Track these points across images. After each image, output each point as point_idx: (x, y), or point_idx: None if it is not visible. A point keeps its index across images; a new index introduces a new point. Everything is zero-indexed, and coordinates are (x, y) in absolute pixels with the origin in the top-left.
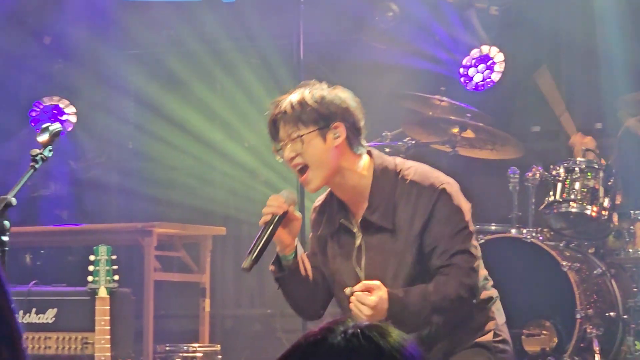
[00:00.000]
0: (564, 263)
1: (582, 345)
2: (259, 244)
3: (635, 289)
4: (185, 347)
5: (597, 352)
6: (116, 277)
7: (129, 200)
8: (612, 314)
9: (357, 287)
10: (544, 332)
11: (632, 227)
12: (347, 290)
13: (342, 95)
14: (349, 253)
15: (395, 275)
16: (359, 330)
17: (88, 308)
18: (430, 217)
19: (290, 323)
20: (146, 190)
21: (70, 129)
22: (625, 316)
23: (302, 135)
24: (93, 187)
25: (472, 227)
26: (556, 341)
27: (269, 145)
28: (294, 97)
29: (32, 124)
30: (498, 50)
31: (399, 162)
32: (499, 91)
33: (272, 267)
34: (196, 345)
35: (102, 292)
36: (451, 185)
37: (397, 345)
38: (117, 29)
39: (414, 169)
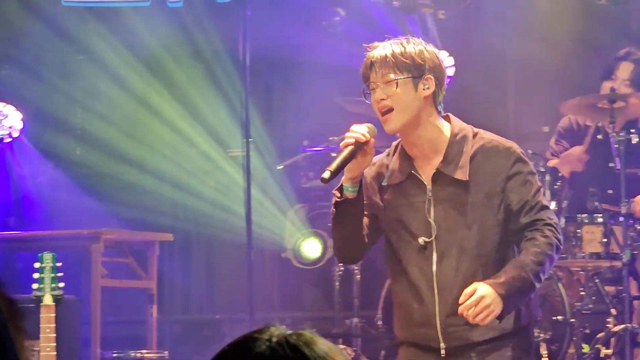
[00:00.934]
0: None
1: None
2: (337, 161)
3: (582, 293)
4: (133, 354)
5: (545, 355)
6: (61, 284)
7: (76, 206)
8: (559, 317)
9: (462, 299)
10: None
11: (578, 230)
12: (421, 240)
13: (437, 54)
14: (417, 204)
15: (468, 225)
16: (284, 339)
17: (33, 316)
18: (512, 175)
19: (239, 328)
20: (93, 196)
21: (16, 135)
22: (572, 320)
23: (397, 80)
24: (40, 193)
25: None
26: None
27: (218, 151)
28: (394, 46)
29: None
30: (448, 54)
31: (474, 128)
32: (448, 95)
33: (335, 192)
34: (144, 351)
35: (47, 300)
36: (524, 152)
37: (322, 354)
38: (64, 35)
39: (490, 134)
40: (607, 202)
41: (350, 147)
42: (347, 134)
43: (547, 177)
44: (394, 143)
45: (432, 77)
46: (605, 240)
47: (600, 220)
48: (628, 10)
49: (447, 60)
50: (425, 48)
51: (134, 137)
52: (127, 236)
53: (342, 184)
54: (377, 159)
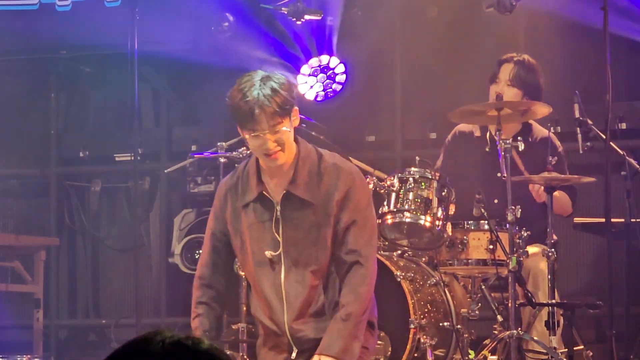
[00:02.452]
0: (398, 273)
1: (416, 355)
2: None
3: (468, 299)
4: (18, 359)
5: None
6: None
7: None
8: (446, 323)
9: None
10: (379, 342)
11: (465, 237)
12: (268, 253)
13: (293, 80)
14: (267, 222)
15: (310, 243)
16: (177, 340)
17: None
18: (344, 201)
19: (125, 333)
20: None
21: None
22: (459, 326)
23: (286, 127)
24: None
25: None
26: (390, 351)
27: (106, 154)
28: (265, 90)
29: None
30: (338, 61)
31: (318, 149)
32: (336, 102)
33: None
34: (29, 356)
35: None
36: (362, 176)
37: (212, 348)
38: None
39: (334, 155)
40: (493, 210)
41: None
42: None
43: (434, 184)
44: (241, 165)
45: (296, 109)
46: (491, 246)
47: (486, 227)
48: (515, 18)
49: (338, 67)
50: (287, 81)
51: (21, 142)
52: (12, 240)
53: None
54: (223, 181)
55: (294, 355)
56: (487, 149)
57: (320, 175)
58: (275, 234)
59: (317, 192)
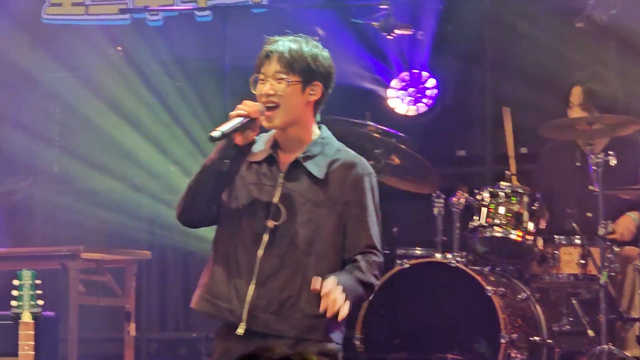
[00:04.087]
0: (489, 288)
1: None
2: (230, 126)
3: (559, 313)
4: None
5: None
6: (40, 302)
7: (54, 224)
8: (536, 338)
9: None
10: (469, 357)
11: (556, 251)
12: (270, 223)
13: (330, 60)
14: (266, 187)
15: (306, 223)
16: (284, 355)
17: (11, 333)
18: (357, 196)
19: None
20: (71, 214)
21: None
22: (549, 340)
23: (289, 81)
24: (18, 210)
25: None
26: None
27: (196, 168)
28: (293, 44)
29: None
30: (429, 74)
31: (341, 144)
32: (427, 116)
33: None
34: None
35: (26, 317)
36: (374, 176)
37: None
38: (43, 51)
39: (353, 153)
40: (585, 224)
41: (240, 118)
42: (239, 106)
43: (525, 199)
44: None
45: (320, 85)
46: (583, 261)
47: (577, 241)
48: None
49: (429, 81)
50: (321, 53)
51: (114, 155)
52: (104, 254)
53: (217, 153)
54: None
55: (241, 330)
56: (577, 163)
57: (335, 160)
58: (272, 201)
59: (329, 175)
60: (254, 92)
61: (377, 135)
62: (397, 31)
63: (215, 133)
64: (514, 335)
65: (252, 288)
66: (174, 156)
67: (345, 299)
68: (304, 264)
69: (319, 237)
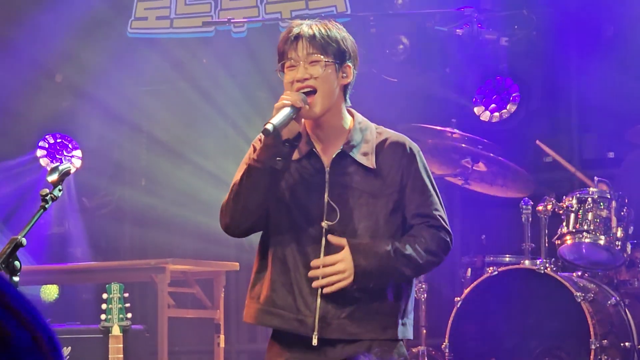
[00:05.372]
0: (578, 294)
1: None
2: (280, 118)
3: None
4: None
5: None
6: (129, 315)
7: (141, 236)
8: (627, 344)
9: (319, 262)
10: None
11: None
12: (325, 224)
13: (355, 43)
14: (314, 185)
15: (364, 215)
16: None
17: (101, 346)
18: (413, 173)
19: None
20: (159, 226)
21: (78, 166)
22: None
23: (327, 62)
24: (106, 224)
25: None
26: None
27: None
28: (320, 26)
29: (40, 162)
30: (512, 81)
31: (377, 125)
32: (512, 122)
33: (257, 155)
34: None
35: (115, 330)
36: (422, 156)
37: None
38: (129, 66)
39: (393, 131)
40: None
41: (288, 109)
42: (283, 96)
43: (614, 204)
44: None
45: (351, 66)
46: None
47: None
48: None
49: (512, 88)
50: (347, 34)
51: (200, 168)
52: (192, 266)
53: (267, 150)
54: None
55: (315, 341)
56: None
57: (381, 145)
58: (322, 200)
59: (375, 158)
60: (282, 79)
61: (462, 144)
62: (481, 38)
63: (269, 126)
64: (604, 342)
65: (319, 294)
66: None
67: (344, 279)
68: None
69: (381, 228)
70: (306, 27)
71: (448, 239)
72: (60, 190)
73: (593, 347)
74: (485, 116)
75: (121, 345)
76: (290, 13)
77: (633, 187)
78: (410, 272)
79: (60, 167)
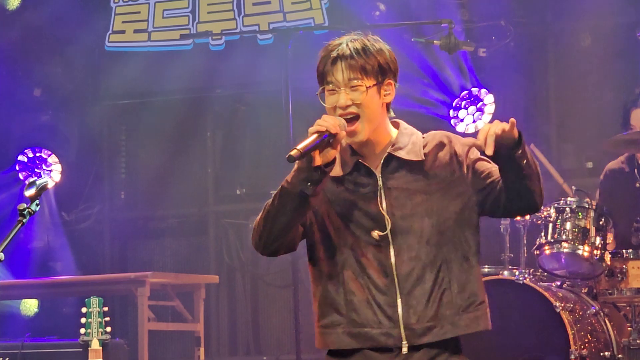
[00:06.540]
0: (557, 304)
1: None
2: (306, 143)
3: (629, 328)
4: None
5: None
6: (108, 329)
7: (121, 250)
8: (606, 353)
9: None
10: None
11: (624, 266)
12: (375, 234)
13: (393, 52)
14: (368, 195)
15: (425, 213)
16: None
17: None
18: (472, 160)
19: None
20: (139, 240)
21: (57, 180)
22: (620, 355)
23: (368, 86)
24: (86, 238)
25: None
26: None
27: (262, 192)
28: (355, 43)
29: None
30: (487, 91)
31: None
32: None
33: (289, 179)
34: None
35: (95, 344)
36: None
37: None
38: (107, 80)
39: (435, 131)
40: None
41: (318, 135)
42: (318, 121)
43: (592, 214)
44: None
45: (392, 83)
46: None
47: None
48: None
49: (487, 98)
50: (385, 47)
51: (179, 181)
52: (172, 279)
53: (298, 175)
54: None
55: (405, 349)
56: (637, 185)
57: (430, 142)
58: (380, 208)
59: (427, 157)
60: (324, 104)
61: None
62: (459, 49)
63: (294, 152)
64: (584, 351)
65: (400, 302)
66: (240, 179)
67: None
68: (442, 255)
69: (447, 222)
70: (344, 47)
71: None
72: (37, 204)
73: (573, 356)
74: (461, 127)
75: (100, 359)
76: (268, 25)
77: (607, 204)
78: (538, 182)
79: (38, 182)
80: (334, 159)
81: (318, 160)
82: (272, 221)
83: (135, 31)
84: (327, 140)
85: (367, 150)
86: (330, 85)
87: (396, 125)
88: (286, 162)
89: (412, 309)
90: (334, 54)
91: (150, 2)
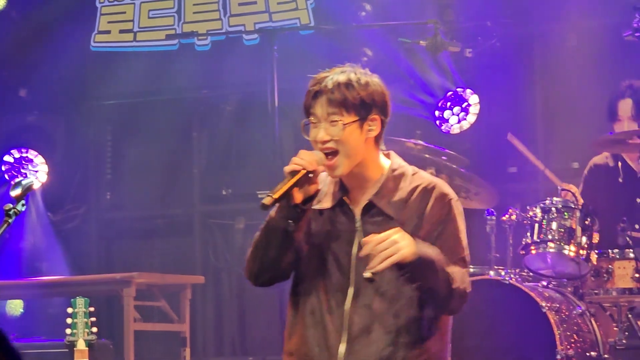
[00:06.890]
0: (543, 304)
1: None
2: (282, 187)
3: (615, 328)
4: None
5: None
6: (94, 329)
7: (107, 250)
8: (593, 353)
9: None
10: None
11: (610, 266)
12: (336, 277)
13: (383, 86)
14: (344, 234)
15: (395, 265)
16: None
17: None
18: (443, 223)
19: None
20: (125, 240)
21: (44, 180)
22: (606, 355)
23: (345, 123)
24: (72, 238)
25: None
26: None
27: (247, 192)
28: (340, 77)
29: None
30: (472, 92)
31: (414, 168)
32: (474, 133)
33: (272, 214)
34: None
35: (80, 345)
36: (458, 200)
37: None
38: (93, 80)
39: (430, 176)
40: (635, 238)
41: (295, 174)
42: (295, 159)
43: (578, 213)
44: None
45: (377, 118)
46: (637, 275)
47: (631, 255)
48: None
49: (472, 98)
50: (372, 80)
51: (165, 181)
52: (158, 280)
53: (280, 212)
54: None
55: None
56: (620, 180)
57: (414, 192)
58: (351, 253)
59: (403, 208)
60: (306, 138)
61: (426, 155)
62: (445, 49)
63: (267, 200)
64: (570, 351)
65: (342, 347)
66: (226, 180)
67: (400, 250)
68: (395, 310)
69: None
70: (329, 82)
71: (468, 283)
72: (23, 205)
73: (559, 356)
74: (446, 127)
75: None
76: (253, 25)
77: (592, 202)
78: (446, 289)
79: (24, 182)
80: (317, 192)
81: (298, 197)
82: (261, 255)
83: (121, 31)
84: (305, 178)
85: (355, 183)
86: (312, 119)
87: (388, 157)
88: (272, 164)
89: (352, 355)
90: (316, 87)
91: (135, 2)
